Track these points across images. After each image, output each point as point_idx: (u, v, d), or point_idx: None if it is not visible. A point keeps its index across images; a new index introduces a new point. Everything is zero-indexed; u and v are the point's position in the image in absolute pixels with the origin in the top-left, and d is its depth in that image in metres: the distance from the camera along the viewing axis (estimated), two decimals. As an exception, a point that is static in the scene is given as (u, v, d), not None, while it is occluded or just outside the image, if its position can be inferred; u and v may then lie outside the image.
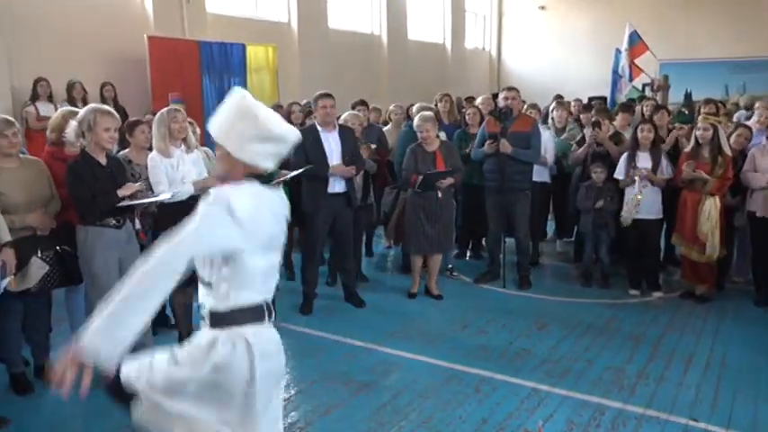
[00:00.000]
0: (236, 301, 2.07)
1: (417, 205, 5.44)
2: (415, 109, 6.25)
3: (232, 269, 2.02)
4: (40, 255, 3.68)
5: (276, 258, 2.18)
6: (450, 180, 5.39)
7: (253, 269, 2.05)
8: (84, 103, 7.47)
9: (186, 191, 4.11)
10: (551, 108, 7.23)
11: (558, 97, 11.03)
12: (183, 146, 4.29)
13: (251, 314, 2.11)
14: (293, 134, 2.09)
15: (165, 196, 3.96)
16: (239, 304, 2.08)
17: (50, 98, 7.49)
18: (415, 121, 5.57)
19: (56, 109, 5.89)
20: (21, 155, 3.91)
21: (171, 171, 4.14)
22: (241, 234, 1.94)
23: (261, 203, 2.04)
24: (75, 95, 7.64)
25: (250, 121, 2.00)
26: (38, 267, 3.68)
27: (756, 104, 6.41)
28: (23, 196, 3.70)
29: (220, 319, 2.09)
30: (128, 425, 3.36)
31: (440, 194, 5.40)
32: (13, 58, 7.64)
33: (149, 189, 4.13)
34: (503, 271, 6.02)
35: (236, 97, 2.05)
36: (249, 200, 1.98)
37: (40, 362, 4.04)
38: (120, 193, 3.74)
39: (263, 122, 2.00)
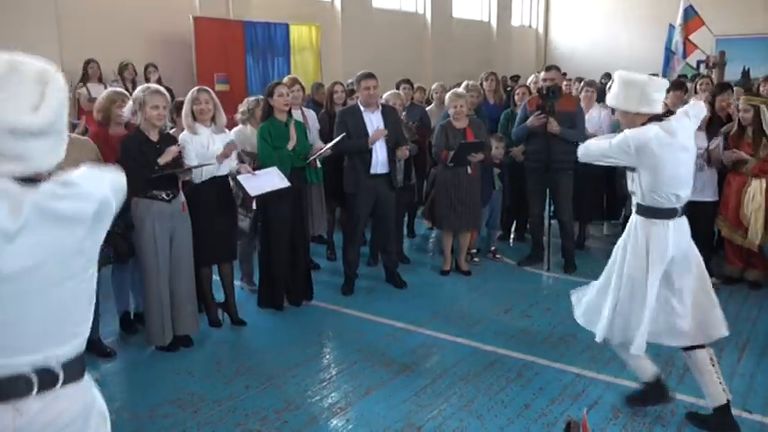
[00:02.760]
0: None
1: (447, 182, 5.47)
2: (461, 88, 6.14)
3: None
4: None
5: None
6: (480, 156, 5.37)
7: None
8: (134, 83, 7.62)
9: (213, 168, 4.25)
10: (608, 86, 6.99)
11: (607, 75, 10.72)
12: (212, 125, 4.34)
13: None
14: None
15: (194, 164, 4.13)
16: None
17: (100, 79, 7.65)
18: (447, 96, 5.62)
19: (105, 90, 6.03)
20: (71, 134, 4.01)
21: (201, 150, 4.23)
22: None
23: None
24: (126, 76, 7.79)
25: None
26: None
27: None
28: (71, 174, 3.80)
29: None
30: (172, 398, 3.47)
31: (470, 170, 5.39)
32: (63, 39, 7.82)
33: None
34: (547, 253, 5.91)
35: None
36: None
37: (92, 337, 4.15)
38: (160, 160, 3.89)
39: None
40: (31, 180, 1.39)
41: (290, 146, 4.66)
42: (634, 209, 3.24)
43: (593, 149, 3.26)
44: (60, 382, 1.45)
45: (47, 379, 1.43)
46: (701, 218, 5.32)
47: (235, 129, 5.01)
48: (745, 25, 14.63)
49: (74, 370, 1.51)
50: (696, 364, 3.20)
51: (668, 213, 3.11)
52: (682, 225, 3.18)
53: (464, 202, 5.47)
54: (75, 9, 7.96)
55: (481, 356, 4.09)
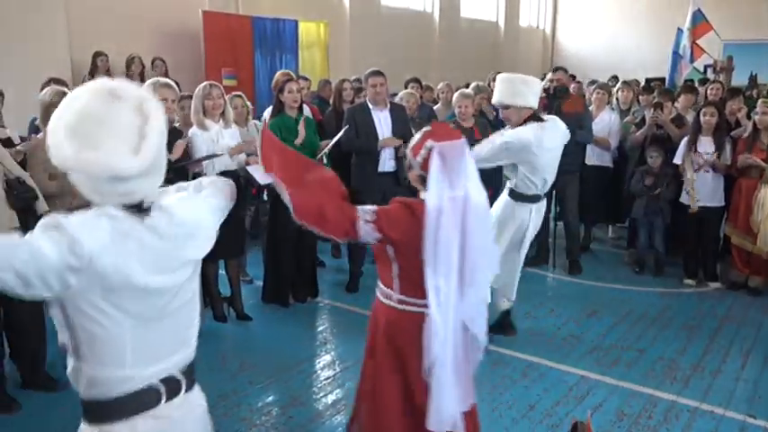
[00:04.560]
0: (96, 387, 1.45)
1: None
2: (470, 88, 6.15)
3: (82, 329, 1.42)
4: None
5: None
6: None
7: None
8: (142, 77, 7.62)
9: (225, 161, 4.27)
10: (616, 89, 6.98)
11: (614, 78, 10.71)
12: (221, 121, 4.35)
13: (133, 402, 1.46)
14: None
15: (203, 156, 4.15)
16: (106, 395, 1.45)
17: (108, 72, 7.65)
18: (455, 96, 5.63)
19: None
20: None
21: (211, 144, 4.23)
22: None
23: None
24: (134, 70, 7.79)
25: (51, 136, 1.40)
26: None
27: None
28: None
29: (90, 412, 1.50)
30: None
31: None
32: (72, 32, 7.82)
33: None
34: (552, 255, 5.91)
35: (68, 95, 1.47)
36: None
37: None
38: (170, 156, 3.88)
39: (53, 141, 1.38)
40: (136, 207, 1.45)
41: (298, 141, 4.66)
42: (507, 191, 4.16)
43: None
44: (184, 389, 1.53)
45: (172, 387, 1.51)
46: (708, 223, 5.32)
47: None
48: (754, 31, 14.59)
49: (191, 375, 1.59)
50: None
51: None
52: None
53: None
54: (84, 2, 7.96)
55: (486, 356, 4.05)
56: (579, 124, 5.55)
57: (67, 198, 3.75)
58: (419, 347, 2.19)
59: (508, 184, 4.10)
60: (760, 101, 5.35)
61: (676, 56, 10.63)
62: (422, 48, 13.62)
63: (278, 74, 5.51)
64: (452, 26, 14.51)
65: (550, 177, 4.06)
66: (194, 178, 4.27)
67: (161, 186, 1.55)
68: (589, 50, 17.61)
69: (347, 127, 4.94)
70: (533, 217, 4.08)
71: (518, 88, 3.82)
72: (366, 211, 2.24)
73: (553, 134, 3.95)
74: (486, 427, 3.24)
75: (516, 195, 4.01)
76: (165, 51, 8.33)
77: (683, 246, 5.63)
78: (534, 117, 3.88)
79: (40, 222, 1.36)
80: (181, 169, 4.00)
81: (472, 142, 5.31)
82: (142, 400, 1.45)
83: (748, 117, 5.88)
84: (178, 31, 8.89)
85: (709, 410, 3.44)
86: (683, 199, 5.34)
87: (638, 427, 3.28)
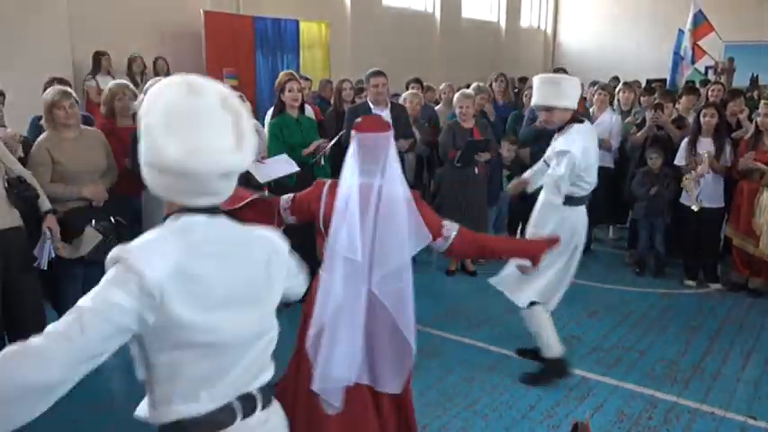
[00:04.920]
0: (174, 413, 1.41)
1: (454, 182, 5.46)
2: (471, 89, 6.16)
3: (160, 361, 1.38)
4: (94, 225, 3.80)
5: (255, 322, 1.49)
6: (487, 155, 5.39)
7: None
8: (143, 77, 7.62)
9: None
10: (617, 90, 6.98)
11: (615, 79, 10.71)
12: None
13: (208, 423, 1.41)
14: (207, 166, 1.30)
15: None
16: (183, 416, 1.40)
17: (109, 72, 7.66)
18: (456, 96, 5.64)
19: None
20: (82, 126, 4.02)
21: None
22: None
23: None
24: (135, 69, 7.80)
25: (145, 136, 1.34)
26: (91, 236, 3.80)
27: None
28: (81, 166, 3.82)
29: None
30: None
31: (477, 170, 5.41)
32: (74, 32, 7.82)
33: None
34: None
35: (150, 92, 1.39)
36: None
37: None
38: None
39: (153, 142, 1.31)
40: (212, 210, 1.41)
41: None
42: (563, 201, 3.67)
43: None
44: (260, 406, 1.48)
45: (248, 405, 1.46)
46: (709, 224, 5.32)
47: None
48: (755, 32, 14.59)
49: (268, 392, 1.53)
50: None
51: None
52: None
53: (471, 202, 5.48)
54: (85, 1, 7.97)
55: (486, 357, 4.10)
56: (580, 125, 5.56)
57: (69, 201, 3.77)
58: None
59: (553, 197, 3.66)
60: (762, 102, 5.35)
61: (677, 57, 10.64)
62: (423, 48, 13.63)
63: (281, 74, 5.52)
64: (453, 26, 14.51)
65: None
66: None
67: None
68: (590, 51, 17.60)
69: (343, 132, 4.94)
70: (583, 217, 3.86)
71: (562, 89, 3.62)
72: (285, 199, 2.56)
73: (592, 130, 3.88)
74: (487, 427, 3.26)
75: (572, 200, 3.69)
76: (166, 51, 8.34)
77: (684, 247, 5.62)
78: (575, 119, 3.67)
79: (107, 259, 1.32)
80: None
81: (472, 143, 5.35)
82: (217, 419, 1.40)
83: (749, 119, 5.88)
84: (179, 31, 8.90)
85: (709, 411, 3.44)
86: (684, 200, 5.34)
87: (639, 427, 3.28)
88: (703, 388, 3.69)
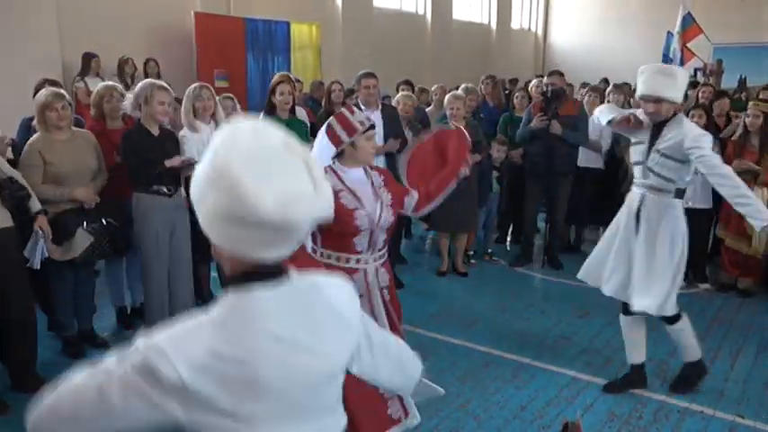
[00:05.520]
0: None
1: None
2: (461, 90, 6.18)
3: None
4: (85, 227, 3.79)
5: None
6: (477, 156, 5.41)
7: None
8: (133, 79, 7.60)
9: None
10: (608, 92, 7.03)
11: (605, 80, 10.77)
12: (212, 122, 4.34)
13: None
14: (298, 217, 1.15)
15: (196, 160, 4.08)
16: None
17: (99, 74, 7.62)
18: (446, 98, 5.66)
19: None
20: (73, 128, 4.01)
21: (201, 147, 4.22)
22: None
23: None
24: (126, 71, 7.77)
25: (224, 186, 1.15)
26: (83, 238, 3.79)
27: None
28: (72, 167, 3.81)
29: None
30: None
31: (467, 171, 5.42)
32: (63, 32, 7.79)
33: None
34: (543, 254, 5.99)
35: (220, 138, 1.22)
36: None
37: (85, 327, 4.19)
38: (168, 163, 3.86)
39: (243, 193, 1.12)
40: (278, 271, 1.24)
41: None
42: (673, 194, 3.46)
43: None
44: None
45: None
46: (697, 224, 5.35)
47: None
48: (743, 34, 14.72)
49: None
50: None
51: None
52: None
53: (461, 203, 5.49)
54: (75, 2, 7.93)
55: (477, 357, 4.11)
56: (574, 127, 5.60)
57: (61, 203, 3.76)
58: None
59: (676, 203, 3.51)
60: (750, 103, 5.40)
61: (666, 59, 10.72)
62: (414, 49, 13.66)
63: (276, 75, 5.54)
64: (444, 28, 14.55)
65: None
66: (186, 182, 4.27)
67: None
68: (580, 53, 17.70)
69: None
70: None
71: (676, 81, 3.44)
72: None
73: None
74: (479, 428, 3.27)
75: (680, 192, 3.54)
76: (156, 53, 8.31)
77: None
78: (676, 113, 3.51)
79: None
80: (174, 173, 3.97)
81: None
82: None
83: (728, 118, 5.95)
84: (170, 33, 8.88)
85: (698, 411, 3.47)
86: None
87: (629, 427, 3.30)
88: (692, 387, 3.72)
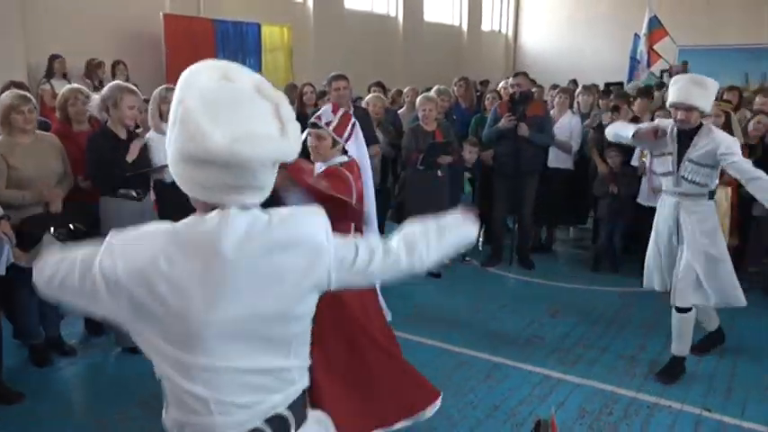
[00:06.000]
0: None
1: (417, 184, 5.50)
2: (433, 92, 6.22)
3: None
4: (52, 232, 3.71)
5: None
6: (449, 158, 5.45)
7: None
8: (102, 81, 7.48)
9: None
10: (577, 93, 7.13)
11: (574, 82, 10.93)
12: None
13: None
14: (244, 152, 1.16)
15: (164, 163, 4.01)
16: None
17: (65, 75, 7.49)
18: (418, 99, 5.69)
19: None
20: (37, 131, 3.93)
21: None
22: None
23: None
24: (93, 73, 7.64)
25: (182, 124, 1.19)
26: (50, 244, 3.71)
27: (757, 97, 6.26)
28: (36, 171, 3.74)
29: None
30: (140, 401, 3.42)
31: (440, 173, 5.46)
32: (29, 34, 7.64)
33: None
34: (511, 254, 6.06)
35: (184, 75, 1.26)
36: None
37: (52, 334, 4.10)
38: (128, 158, 3.79)
39: (195, 129, 1.16)
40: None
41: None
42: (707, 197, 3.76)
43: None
44: (293, 426, 1.36)
45: (280, 427, 1.34)
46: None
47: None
48: (708, 37, 15.07)
49: (301, 409, 1.40)
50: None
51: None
52: None
53: (433, 205, 5.51)
54: (40, 3, 7.78)
55: (451, 358, 4.13)
56: (540, 128, 5.67)
57: (27, 207, 3.68)
58: None
59: (711, 204, 3.81)
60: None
61: (634, 61, 10.93)
62: (386, 51, 13.69)
63: None
64: (416, 30, 14.61)
65: None
66: (155, 185, 4.21)
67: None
68: (550, 54, 17.93)
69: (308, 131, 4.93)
70: None
71: (708, 91, 3.64)
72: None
73: None
74: (452, 428, 3.28)
75: (714, 194, 3.85)
76: (124, 54, 8.20)
77: (643, 245, 5.75)
78: (703, 123, 3.73)
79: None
80: (142, 176, 3.93)
81: (433, 145, 5.40)
82: None
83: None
84: (138, 34, 8.76)
85: (667, 405, 3.53)
86: (640, 199, 5.49)
87: (600, 423, 3.35)
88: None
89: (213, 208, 1.24)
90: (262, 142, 1.17)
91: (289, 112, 1.25)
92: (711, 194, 3.78)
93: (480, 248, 6.77)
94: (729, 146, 3.54)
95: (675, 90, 3.65)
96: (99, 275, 1.23)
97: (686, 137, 3.70)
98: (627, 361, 4.08)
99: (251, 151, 1.16)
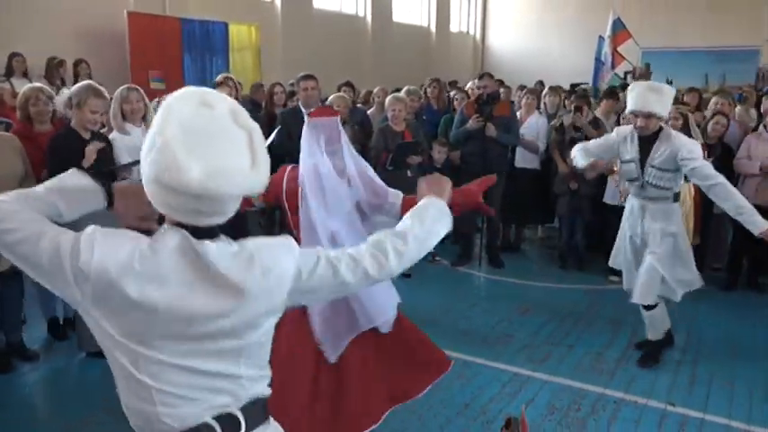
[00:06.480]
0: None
1: (387, 184, 5.49)
2: (403, 92, 6.23)
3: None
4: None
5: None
6: (418, 158, 5.47)
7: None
8: (63, 80, 7.31)
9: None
10: (544, 94, 7.22)
11: (540, 83, 11.07)
12: (143, 125, 4.22)
13: None
14: (210, 188, 1.22)
15: (131, 161, 3.93)
16: None
17: (26, 74, 7.30)
18: (387, 99, 5.71)
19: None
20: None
21: (133, 150, 4.09)
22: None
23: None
24: (54, 72, 7.45)
25: (160, 153, 1.24)
26: None
27: (713, 99, 6.44)
28: (-4, 172, 3.61)
29: None
30: (106, 406, 3.35)
31: (409, 173, 5.48)
32: (-13, 31, 7.43)
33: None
34: (482, 253, 6.11)
35: (167, 101, 1.32)
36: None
37: (13, 340, 3.99)
38: (84, 163, 3.65)
39: (172, 162, 1.21)
40: (207, 231, 1.32)
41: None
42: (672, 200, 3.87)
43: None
44: (243, 428, 1.38)
45: (229, 427, 1.37)
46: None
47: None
48: (669, 39, 15.40)
49: (257, 413, 1.43)
50: None
51: None
52: None
53: None
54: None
55: (422, 357, 4.13)
56: (506, 128, 5.74)
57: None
58: None
59: (675, 206, 3.94)
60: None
61: (599, 62, 11.10)
62: (354, 51, 13.68)
63: (219, 77, 5.47)
64: (385, 30, 14.63)
65: None
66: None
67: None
68: (517, 56, 18.13)
69: (278, 129, 4.90)
70: None
71: (664, 98, 3.71)
72: None
73: None
74: (423, 427, 3.29)
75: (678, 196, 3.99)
76: (87, 53, 8.03)
77: (607, 244, 5.86)
78: (662, 128, 3.80)
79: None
80: (109, 174, 3.84)
81: (402, 145, 5.41)
82: None
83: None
84: (101, 32, 8.59)
85: (633, 400, 3.60)
86: (607, 199, 5.59)
87: (568, 419, 3.40)
88: (627, 378, 3.86)
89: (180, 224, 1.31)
90: (234, 178, 1.23)
91: (260, 141, 1.31)
92: (676, 197, 3.89)
93: (450, 248, 6.81)
94: (690, 150, 3.62)
95: (633, 98, 3.72)
96: (68, 260, 1.25)
97: (647, 143, 3.79)
98: (594, 357, 4.15)
99: (223, 187, 1.22)
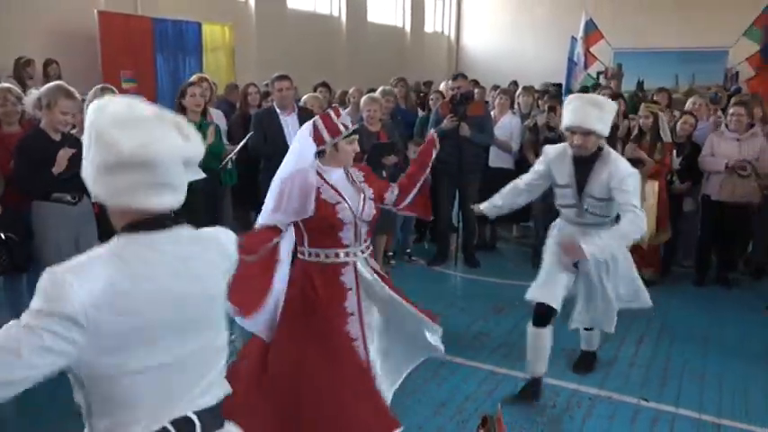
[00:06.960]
0: None
1: None
2: (378, 92, 6.23)
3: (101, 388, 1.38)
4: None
5: (199, 340, 1.44)
6: (393, 158, 5.48)
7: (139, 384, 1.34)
8: (32, 78, 7.17)
9: None
10: (517, 94, 7.28)
11: (514, 83, 11.16)
12: None
13: None
14: (160, 150, 1.31)
15: None
16: None
17: (-7, 74, 7.15)
18: (362, 100, 5.71)
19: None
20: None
21: None
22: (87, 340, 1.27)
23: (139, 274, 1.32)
24: (23, 72, 7.30)
25: (97, 142, 1.32)
26: None
27: (690, 99, 6.58)
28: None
29: None
30: (77, 414, 3.30)
31: (384, 173, 5.48)
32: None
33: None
34: (455, 253, 6.14)
35: (92, 106, 1.38)
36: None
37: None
38: (55, 170, 3.59)
39: (108, 140, 1.29)
40: (166, 221, 1.40)
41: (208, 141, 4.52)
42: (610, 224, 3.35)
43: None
44: (199, 429, 1.40)
45: (185, 430, 1.39)
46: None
47: None
48: (640, 40, 15.61)
49: (212, 417, 1.44)
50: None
51: None
52: None
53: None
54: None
55: (398, 357, 4.14)
56: (480, 128, 5.79)
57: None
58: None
59: (606, 225, 3.40)
60: (642, 106, 5.77)
61: (572, 63, 11.22)
62: (329, 51, 13.63)
63: (193, 77, 5.41)
64: (359, 30, 14.62)
65: None
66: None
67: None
68: (492, 56, 18.24)
69: (252, 133, 4.88)
70: None
71: (605, 114, 3.23)
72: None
73: None
74: (400, 427, 3.30)
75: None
76: (57, 53, 7.88)
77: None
78: (600, 147, 3.31)
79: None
80: (77, 179, 3.78)
81: (377, 146, 5.42)
82: None
83: (625, 118, 6.34)
84: (71, 32, 8.44)
85: (607, 396, 3.66)
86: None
87: (543, 417, 3.44)
88: (601, 374, 3.92)
89: (132, 225, 1.35)
90: (167, 143, 1.32)
91: (190, 129, 1.40)
92: (617, 218, 3.33)
93: (426, 247, 6.84)
94: (622, 180, 3.16)
95: (571, 112, 3.23)
96: (58, 322, 1.23)
97: (583, 164, 3.31)
98: (568, 354, 4.19)
99: (158, 151, 1.30)
